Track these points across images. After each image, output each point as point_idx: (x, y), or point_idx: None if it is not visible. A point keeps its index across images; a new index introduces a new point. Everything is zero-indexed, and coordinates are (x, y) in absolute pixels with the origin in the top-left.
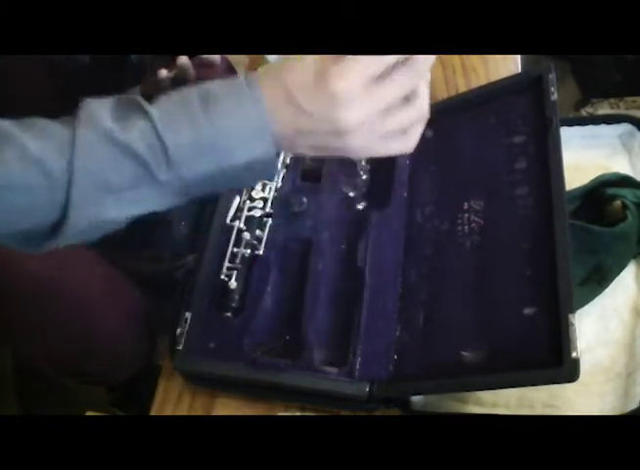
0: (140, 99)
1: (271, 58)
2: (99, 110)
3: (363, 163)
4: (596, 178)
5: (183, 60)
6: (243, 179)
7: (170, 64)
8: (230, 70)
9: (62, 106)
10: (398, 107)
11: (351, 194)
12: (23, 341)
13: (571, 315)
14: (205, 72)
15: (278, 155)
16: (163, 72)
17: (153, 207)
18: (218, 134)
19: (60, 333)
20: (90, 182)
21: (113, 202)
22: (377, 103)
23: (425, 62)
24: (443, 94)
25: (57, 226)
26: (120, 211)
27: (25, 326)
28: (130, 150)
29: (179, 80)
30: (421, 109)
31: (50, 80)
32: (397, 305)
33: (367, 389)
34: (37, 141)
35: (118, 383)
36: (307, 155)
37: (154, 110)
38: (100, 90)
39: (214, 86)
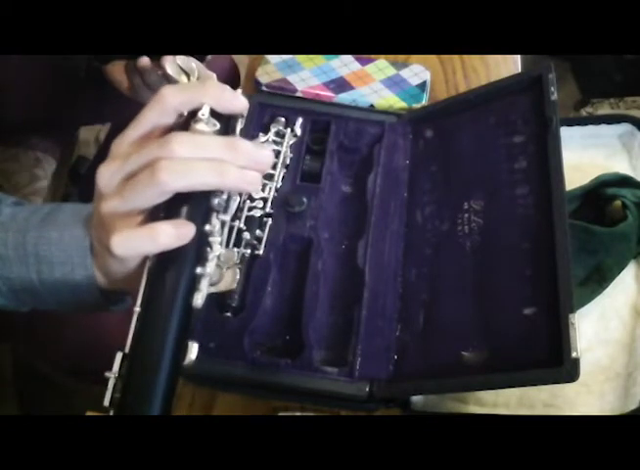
0: (13, 201)
1: (271, 58)
2: None
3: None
4: (596, 178)
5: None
6: (68, 300)
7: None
8: (233, 70)
9: (58, 107)
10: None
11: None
12: (24, 338)
13: (571, 315)
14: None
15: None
16: (145, 60)
17: None
18: (41, 243)
19: (60, 331)
20: None
21: None
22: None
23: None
24: (443, 94)
25: None
26: None
27: (26, 324)
28: None
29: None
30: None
31: (49, 82)
32: (397, 305)
33: (367, 389)
34: None
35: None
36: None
37: (7, 210)
38: (94, 92)
39: (74, 204)
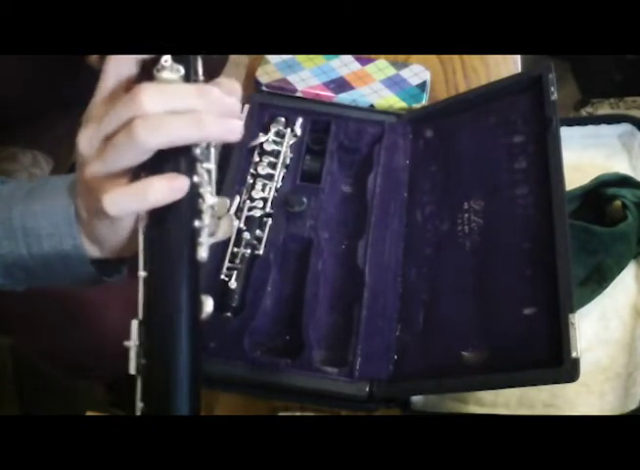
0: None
1: (271, 58)
2: None
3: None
4: (596, 178)
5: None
6: (60, 274)
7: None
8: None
9: (43, 102)
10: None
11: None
12: (24, 336)
13: (571, 315)
14: None
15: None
16: (93, 57)
17: None
18: (27, 216)
19: (60, 328)
20: None
21: None
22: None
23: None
24: (443, 94)
25: None
26: None
27: (27, 321)
28: None
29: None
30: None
31: (34, 78)
32: (397, 305)
33: (367, 389)
34: None
35: (117, 380)
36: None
37: None
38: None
39: (59, 177)
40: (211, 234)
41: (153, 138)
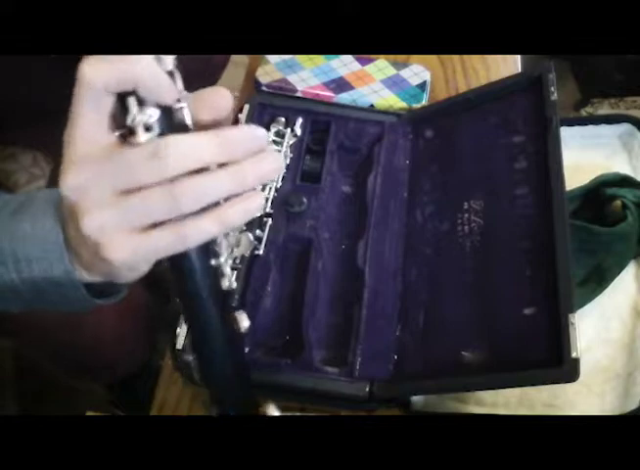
0: None
1: (271, 58)
2: None
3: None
4: (596, 178)
5: None
6: (53, 299)
7: None
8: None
9: (43, 102)
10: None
11: None
12: (24, 336)
13: (571, 315)
14: None
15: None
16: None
17: None
18: (15, 237)
19: (61, 328)
20: None
21: None
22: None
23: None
24: (443, 94)
25: None
26: None
27: (27, 321)
28: None
29: None
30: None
31: (34, 78)
32: (397, 305)
33: (367, 389)
34: None
35: (117, 380)
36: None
37: None
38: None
39: (45, 192)
40: (231, 246)
41: (197, 204)
